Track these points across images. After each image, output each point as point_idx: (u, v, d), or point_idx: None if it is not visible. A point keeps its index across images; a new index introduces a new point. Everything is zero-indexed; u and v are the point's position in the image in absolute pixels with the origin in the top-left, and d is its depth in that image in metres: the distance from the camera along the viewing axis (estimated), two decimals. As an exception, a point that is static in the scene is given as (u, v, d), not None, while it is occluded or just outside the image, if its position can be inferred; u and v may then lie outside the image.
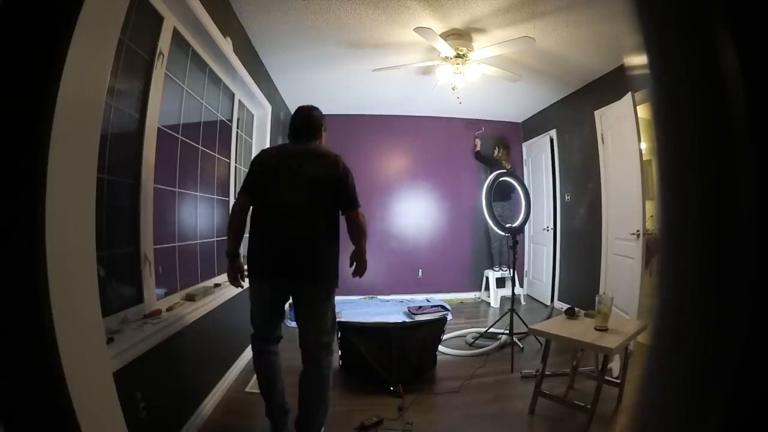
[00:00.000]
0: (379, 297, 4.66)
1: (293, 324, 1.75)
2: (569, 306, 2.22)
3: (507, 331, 3.00)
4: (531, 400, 2.02)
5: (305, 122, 1.76)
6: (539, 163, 4.69)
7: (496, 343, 3.01)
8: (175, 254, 1.95)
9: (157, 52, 1.63)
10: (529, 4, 2.32)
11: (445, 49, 2.65)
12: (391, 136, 4.88)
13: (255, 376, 1.84)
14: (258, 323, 1.72)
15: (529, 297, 4.82)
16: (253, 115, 3.29)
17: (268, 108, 3.33)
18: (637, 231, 2.85)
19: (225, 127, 2.64)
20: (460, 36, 2.69)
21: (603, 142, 3.50)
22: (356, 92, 4.02)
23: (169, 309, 1.69)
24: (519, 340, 3.01)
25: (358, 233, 1.71)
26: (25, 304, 0.59)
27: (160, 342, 1.49)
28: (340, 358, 2.45)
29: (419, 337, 2.44)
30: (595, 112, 3.55)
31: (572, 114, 4.02)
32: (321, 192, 1.63)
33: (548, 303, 4.40)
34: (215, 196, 2.49)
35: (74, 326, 0.68)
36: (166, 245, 1.86)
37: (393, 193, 4.87)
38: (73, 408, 0.61)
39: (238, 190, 1.79)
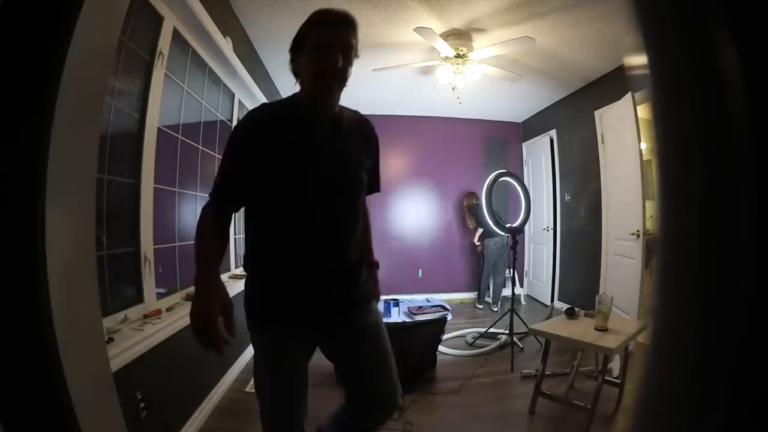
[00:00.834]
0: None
1: None
2: (569, 306, 2.22)
3: (507, 331, 3.00)
4: (531, 400, 2.02)
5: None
6: (539, 163, 4.70)
7: (496, 343, 3.02)
8: (175, 254, 1.95)
9: (157, 52, 1.63)
10: (529, 4, 2.32)
11: (445, 49, 2.65)
12: (390, 136, 4.87)
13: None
14: (282, 411, 1.03)
15: (529, 297, 4.82)
16: (253, 115, 3.28)
17: (268, 108, 3.32)
18: (637, 231, 2.85)
19: (225, 127, 2.64)
20: (460, 36, 2.69)
21: (603, 142, 3.50)
22: (356, 92, 4.02)
23: (169, 309, 1.69)
24: (519, 340, 3.01)
25: (368, 232, 1.21)
26: (25, 304, 0.59)
27: (160, 342, 1.49)
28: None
29: (419, 337, 2.44)
30: (595, 112, 3.55)
31: (572, 114, 4.02)
32: (363, 180, 1.08)
33: (548, 303, 4.40)
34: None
35: (74, 326, 0.68)
36: (166, 245, 1.86)
37: (393, 193, 4.87)
38: (73, 408, 0.61)
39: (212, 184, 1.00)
